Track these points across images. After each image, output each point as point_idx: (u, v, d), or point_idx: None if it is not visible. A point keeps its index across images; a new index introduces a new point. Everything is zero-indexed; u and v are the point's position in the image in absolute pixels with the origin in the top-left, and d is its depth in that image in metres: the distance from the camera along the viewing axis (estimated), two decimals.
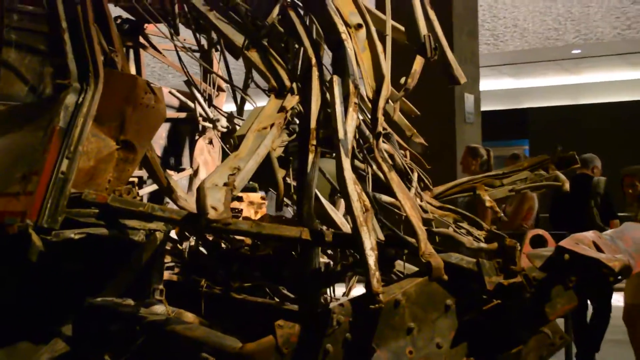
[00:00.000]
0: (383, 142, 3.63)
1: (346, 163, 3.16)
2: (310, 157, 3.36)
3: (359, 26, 3.68)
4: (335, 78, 3.37)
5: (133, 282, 3.64)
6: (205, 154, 5.72)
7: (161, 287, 3.63)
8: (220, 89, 5.69)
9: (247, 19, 3.97)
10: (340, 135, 3.22)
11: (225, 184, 2.86)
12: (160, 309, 3.61)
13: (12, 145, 3.52)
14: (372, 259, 2.75)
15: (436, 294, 2.99)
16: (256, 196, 5.47)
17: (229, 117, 4.94)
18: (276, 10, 3.70)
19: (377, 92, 3.46)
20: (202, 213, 2.62)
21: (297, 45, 4.07)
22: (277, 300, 4.27)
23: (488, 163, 7.60)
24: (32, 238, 3.13)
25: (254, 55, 3.77)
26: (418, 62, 3.54)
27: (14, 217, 3.21)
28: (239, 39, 3.84)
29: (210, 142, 5.79)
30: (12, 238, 3.18)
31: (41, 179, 3.24)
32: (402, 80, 3.57)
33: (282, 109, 3.46)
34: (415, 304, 2.95)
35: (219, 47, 4.74)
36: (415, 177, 3.74)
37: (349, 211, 2.99)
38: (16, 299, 3.51)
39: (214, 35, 4.26)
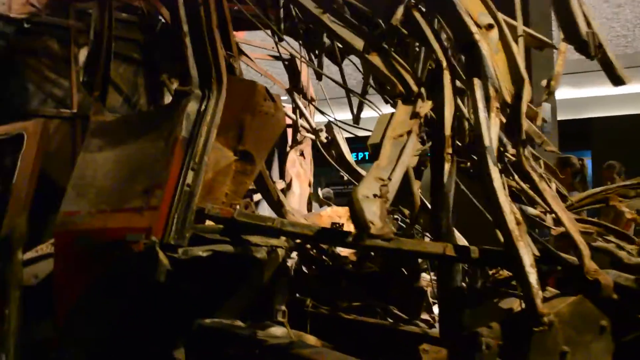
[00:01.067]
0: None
1: (495, 172, 2.90)
2: (447, 166, 3.12)
3: (489, 27, 3.42)
4: (476, 81, 3.12)
5: (252, 302, 3.43)
6: (297, 167, 5.52)
7: (284, 308, 3.41)
8: (312, 99, 5.50)
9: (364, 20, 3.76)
10: (486, 142, 2.97)
11: (376, 196, 2.62)
12: (278, 331, 3.39)
13: (129, 157, 3.33)
14: (533, 276, 2.52)
15: (590, 314, 2.71)
16: None
17: (329, 127, 4.74)
18: (400, 11, 3.46)
19: (518, 96, 3.21)
20: (363, 228, 2.39)
21: (417, 48, 3.86)
22: (389, 320, 4.02)
23: (582, 173, 7.25)
24: (159, 256, 2.92)
25: (375, 59, 3.54)
26: (560, 64, 3.29)
27: (138, 233, 3.02)
28: (358, 42, 3.61)
29: (302, 154, 5.58)
30: (136, 256, 2.99)
31: (165, 192, 3.04)
32: (544, 82, 3.32)
33: (415, 115, 3.22)
34: (568, 325, 2.68)
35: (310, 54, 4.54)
36: (554, 187, 3.48)
37: (500, 225, 2.75)
38: (131, 320, 3.32)
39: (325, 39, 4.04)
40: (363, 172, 4.95)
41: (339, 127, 4.39)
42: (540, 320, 2.45)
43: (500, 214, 2.77)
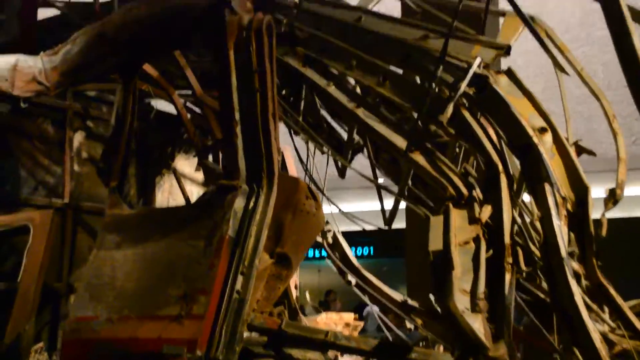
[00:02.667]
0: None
1: (574, 286, 2.71)
2: (507, 277, 2.89)
3: (542, 130, 3.28)
4: (547, 187, 2.94)
5: None
6: None
7: None
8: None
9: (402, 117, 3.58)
10: (563, 253, 2.78)
11: (473, 310, 2.38)
12: None
13: (157, 256, 2.98)
14: None
15: None
16: (350, 317, 4.92)
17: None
18: (450, 109, 3.28)
19: (581, 203, 3.04)
20: (479, 349, 2.11)
21: (459, 147, 3.69)
22: None
23: None
24: None
25: (420, 159, 3.33)
26: (622, 172, 3.16)
27: (178, 346, 2.65)
28: (398, 140, 3.41)
29: None
30: None
31: (211, 299, 2.69)
32: (607, 190, 3.17)
33: (474, 221, 3.01)
34: None
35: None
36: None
37: (585, 341, 2.53)
38: None
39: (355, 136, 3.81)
40: (368, 274, 4.69)
41: (355, 221, 4.10)
42: None
43: (584, 331, 2.55)
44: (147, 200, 4.86)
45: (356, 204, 9.11)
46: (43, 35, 5.43)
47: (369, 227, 4.01)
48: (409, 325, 4.57)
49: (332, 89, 3.65)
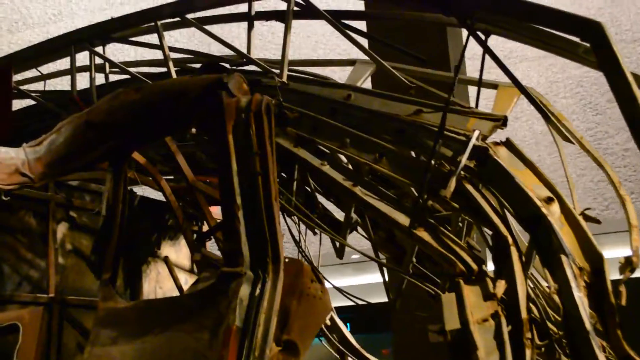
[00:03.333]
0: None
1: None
2: (528, 353, 2.77)
3: (549, 200, 3.21)
4: (564, 258, 2.85)
5: None
6: None
7: None
8: None
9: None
10: (587, 326, 2.66)
11: None
12: None
13: (158, 351, 2.81)
14: None
15: None
16: None
17: None
18: (452, 184, 3.21)
19: (597, 273, 2.94)
20: None
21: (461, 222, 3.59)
22: None
23: None
24: None
25: (424, 235, 3.23)
26: (636, 238, 3.08)
27: None
28: (399, 217, 3.31)
29: None
30: None
31: None
32: (622, 260, 3.08)
33: (490, 297, 2.90)
34: None
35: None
36: None
37: None
38: None
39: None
40: (370, 356, 4.53)
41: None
42: None
43: None
44: (134, 290, 4.68)
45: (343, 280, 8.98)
46: (18, 125, 5.31)
47: (361, 302, 3.87)
48: None
49: (327, 168, 3.56)
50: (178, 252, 4.98)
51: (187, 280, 4.95)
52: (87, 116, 3.24)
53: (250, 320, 2.67)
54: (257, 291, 2.72)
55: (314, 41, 11.54)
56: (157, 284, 4.77)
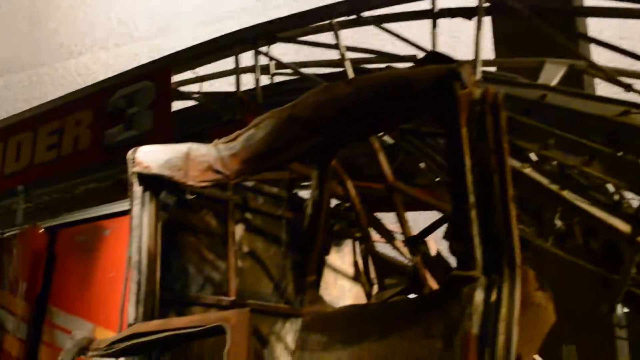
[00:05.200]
0: None
1: None
2: None
3: None
4: None
5: None
6: None
7: None
8: None
9: None
10: None
11: None
12: None
13: (381, 358, 2.63)
14: None
15: None
16: None
17: None
18: None
19: None
20: None
21: None
22: None
23: None
24: None
25: None
26: None
27: None
28: (620, 223, 3.07)
29: None
30: None
31: None
32: None
33: None
34: None
35: None
36: None
37: None
38: None
39: None
40: None
41: None
42: None
43: None
44: (301, 297, 4.54)
45: None
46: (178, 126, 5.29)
47: None
48: None
49: (529, 171, 3.35)
50: (342, 258, 4.82)
51: (350, 289, 4.79)
52: (291, 110, 3.11)
53: (488, 328, 2.47)
54: (493, 297, 2.52)
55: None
56: (325, 291, 4.61)
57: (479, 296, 2.52)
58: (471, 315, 2.48)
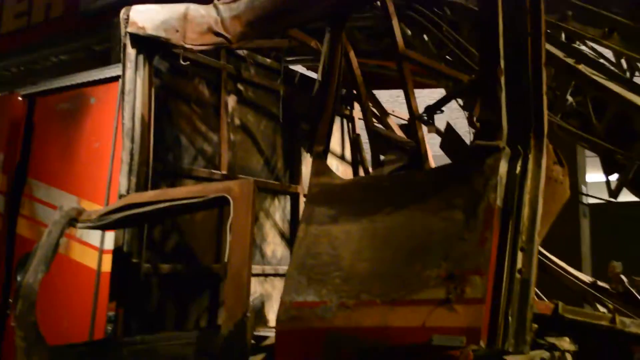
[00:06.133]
0: None
1: None
2: None
3: None
4: None
5: None
6: None
7: None
8: None
9: None
10: None
11: None
12: None
13: (396, 231, 2.53)
14: None
15: None
16: None
17: None
18: None
19: None
20: None
21: None
22: None
23: None
24: None
25: None
26: None
27: (452, 335, 2.21)
28: (638, 99, 2.96)
29: None
30: None
31: (489, 280, 2.25)
32: None
33: None
34: None
35: None
36: None
37: None
38: None
39: None
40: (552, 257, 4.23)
41: None
42: None
43: None
44: (293, 174, 4.43)
45: None
46: None
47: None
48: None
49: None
50: (337, 138, 4.72)
51: (337, 167, 4.68)
52: None
53: (513, 200, 2.37)
54: (518, 168, 2.41)
55: None
56: None
57: (503, 167, 2.41)
58: (495, 187, 2.37)
